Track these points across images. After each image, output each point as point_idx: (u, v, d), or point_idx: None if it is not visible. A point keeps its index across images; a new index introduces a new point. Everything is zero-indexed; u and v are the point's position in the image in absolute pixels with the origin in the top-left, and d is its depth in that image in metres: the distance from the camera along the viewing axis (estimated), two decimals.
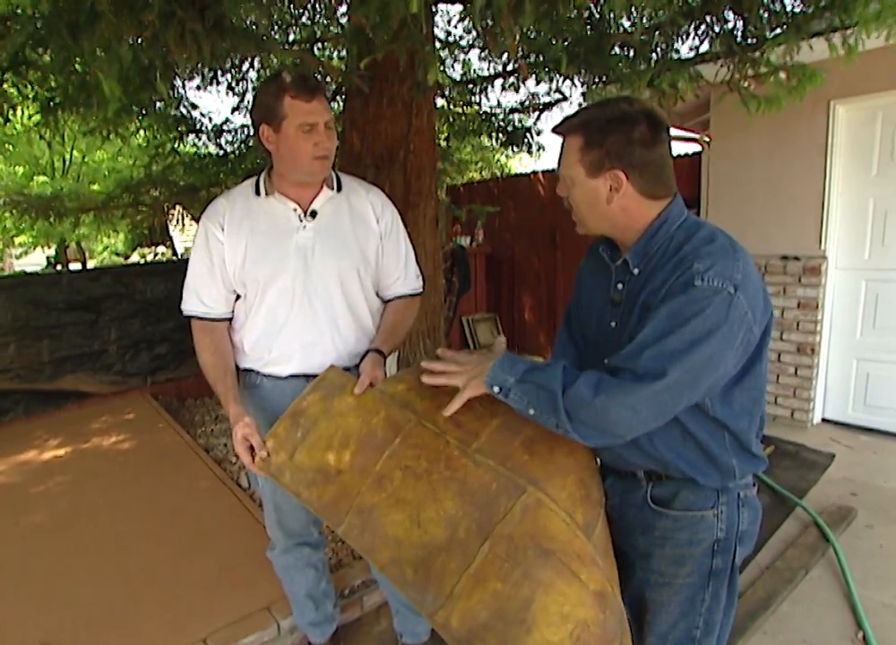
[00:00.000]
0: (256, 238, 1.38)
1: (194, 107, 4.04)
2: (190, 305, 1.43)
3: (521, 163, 12.05)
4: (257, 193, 1.41)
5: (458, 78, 4.43)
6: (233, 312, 1.47)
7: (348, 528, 1.10)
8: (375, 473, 1.12)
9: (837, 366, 3.52)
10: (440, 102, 4.04)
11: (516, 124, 4.48)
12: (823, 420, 3.63)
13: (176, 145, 4.24)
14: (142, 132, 4.16)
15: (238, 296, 1.45)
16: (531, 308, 5.50)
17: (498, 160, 9.32)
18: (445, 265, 4.27)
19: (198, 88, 3.71)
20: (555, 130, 1.04)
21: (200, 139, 4.28)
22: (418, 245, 3.22)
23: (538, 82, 3.45)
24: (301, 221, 1.40)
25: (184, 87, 3.61)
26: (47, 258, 12.59)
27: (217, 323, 1.43)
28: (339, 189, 1.46)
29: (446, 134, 4.71)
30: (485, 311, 5.36)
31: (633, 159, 0.95)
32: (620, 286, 1.06)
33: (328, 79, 3.37)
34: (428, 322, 3.02)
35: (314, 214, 1.41)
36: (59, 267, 11.02)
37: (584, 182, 0.99)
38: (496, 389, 1.00)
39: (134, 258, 13.90)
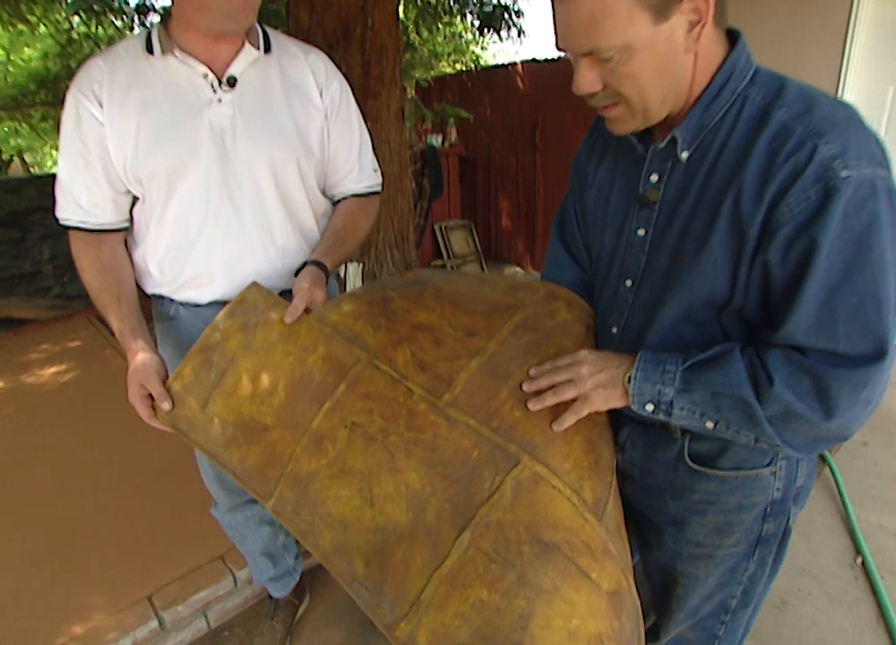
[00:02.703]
0: (151, 116, 1.01)
1: None
2: (65, 212, 1.07)
3: (496, 58, 11.14)
4: (149, 50, 1.01)
5: None
6: (130, 220, 1.11)
7: (280, 503, 0.84)
8: (312, 431, 0.84)
9: None
10: None
11: (494, 1, 3.89)
12: None
13: (92, 29, 3.59)
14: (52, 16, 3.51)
15: (136, 200, 1.09)
16: (509, 214, 5.13)
17: (473, 52, 8.49)
18: (415, 167, 3.83)
19: None
20: None
21: (121, 20, 3.63)
22: (381, 142, 2.78)
23: None
24: (215, 92, 1.03)
25: None
26: None
27: (105, 235, 1.08)
28: (267, 49, 1.08)
29: (413, 20, 4.09)
30: (459, 218, 4.95)
31: None
32: (655, 178, 0.76)
33: None
34: (396, 230, 2.67)
35: (232, 82, 1.04)
36: None
37: (652, 35, 0.63)
38: (650, 406, 0.75)
39: None
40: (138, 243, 1.12)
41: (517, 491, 0.71)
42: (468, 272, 1.37)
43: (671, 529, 0.89)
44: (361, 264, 2.55)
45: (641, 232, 0.78)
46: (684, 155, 0.71)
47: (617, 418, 0.89)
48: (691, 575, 0.89)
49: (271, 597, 1.55)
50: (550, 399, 0.77)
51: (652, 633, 1.03)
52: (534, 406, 0.77)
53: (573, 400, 0.77)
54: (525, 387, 0.79)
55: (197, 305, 1.15)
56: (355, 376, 0.86)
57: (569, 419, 0.76)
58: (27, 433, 2.36)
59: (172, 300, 1.16)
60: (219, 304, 1.12)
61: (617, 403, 0.77)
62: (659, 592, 0.96)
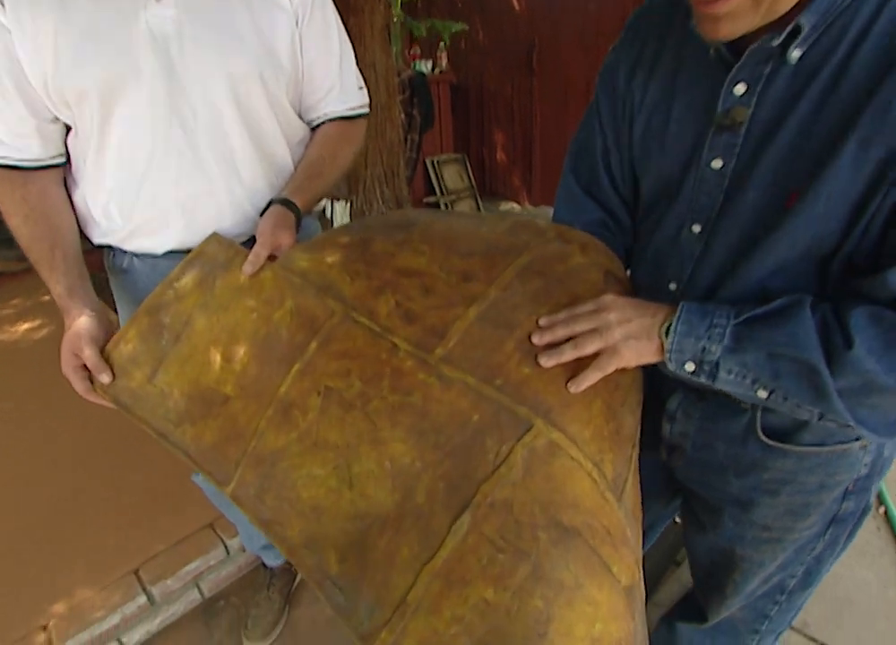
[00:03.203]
0: (71, 17, 0.81)
1: None
2: None
3: None
4: None
5: None
6: (66, 154, 0.93)
7: (241, 488, 0.71)
8: (280, 400, 0.70)
9: None
10: None
11: None
12: None
13: None
14: None
15: (70, 130, 0.90)
16: (504, 147, 4.83)
17: None
18: (403, 96, 3.53)
19: None
20: None
21: None
22: (366, 67, 2.51)
23: None
24: None
25: None
26: None
27: (32, 174, 0.90)
28: None
29: None
30: (452, 151, 4.65)
31: None
32: (742, 89, 0.57)
33: None
34: (385, 165, 2.45)
35: None
36: None
37: None
38: (690, 365, 0.61)
39: None
40: (77, 183, 0.94)
41: (530, 462, 0.58)
42: (462, 212, 1.18)
43: (732, 510, 0.75)
44: (348, 203, 2.35)
45: (717, 164, 0.61)
46: (795, 55, 0.52)
47: (667, 384, 0.75)
48: (753, 560, 0.77)
49: (265, 566, 1.46)
50: (569, 353, 0.62)
51: (696, 614, 0.93)
52: (548, 361, 0.62)
53: (595, 356, 0.63)
54: (535, 339, 0.64)
55: (153, 256, 0.98)
56: (329, 332, 0.71)
57: (591, 376, 0.62)
58: (6, 396, 2.24)
59: (125, 251, 0.99)
60: (178, 254, 0.95)
61: (651, 358, 0.62)
62: (709, 574, 0.85)
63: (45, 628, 1.26)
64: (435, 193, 4.41)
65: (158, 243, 0.96)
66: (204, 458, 0.75)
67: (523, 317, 0.67)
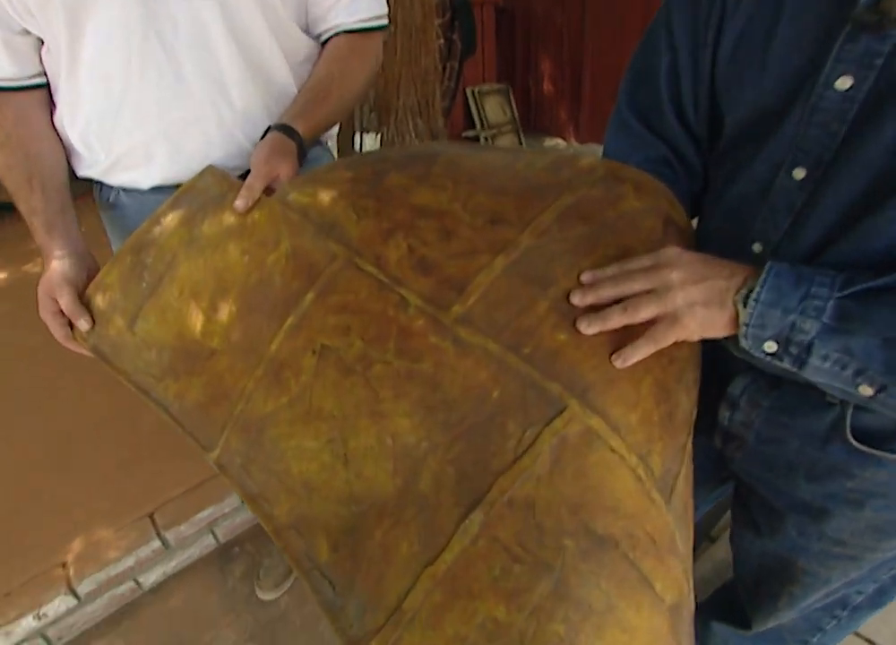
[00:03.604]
0: None
1: None
2: None
3: None
4: None
5: None
6: (44, 75, 0.82)
7: (226, 455, 0.63)
8: (271, 358, 0.61)
9: None
10: None
11: None
12: None
13: None
14: None
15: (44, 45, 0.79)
16: (551, 77, 4.49)
17: None
18: (442, 19, 3.24)
19: None
20: None
21: None
22: None
23: None
24: None
25: None
26: None
27: (4, 95, 0.79)
28: None
29: None
30: (494, 81, 4.33)
31: None
32: None
33: None
34: (419, 94, 2.24)
35: None
36: None
37: None
38: (772, 345, 0.47)
39: None
40: (56, 105, 0.83)
41: (560, 453, 0.47)
42: (498, 146, 0.99)
43: (798, 518, 0.63)
44: (379, 135, 2.18)
45: (844, 82, 0.44)
46: None
47: (730, 362, 0.61)
48: (818, 576, 0.65)
49: None
50: (617, 318, 0.49)
51: (738, 619, 0.83)
52: (589, 326, 0.50)
53: (648, 324, 0.50)
54: (575, 299, 0.51)
55: (139, 191, 0.88)
56: (328, 281, 0.60)
57: (643, 349, 0.49)
58: (27, 331, 2.23)
59: (109, 185, 0.89)
60: (165, 189, 0.85)
61: (721, 331, 0.49)
62: (759, 581, 0.74)
63: (64, 565, 1.27)
64: (474, 127, 4.15)
65: (142, 176, 0.85)
66: (188, 418, 0.67)
67: (561, 271, 0.54)
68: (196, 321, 0.67)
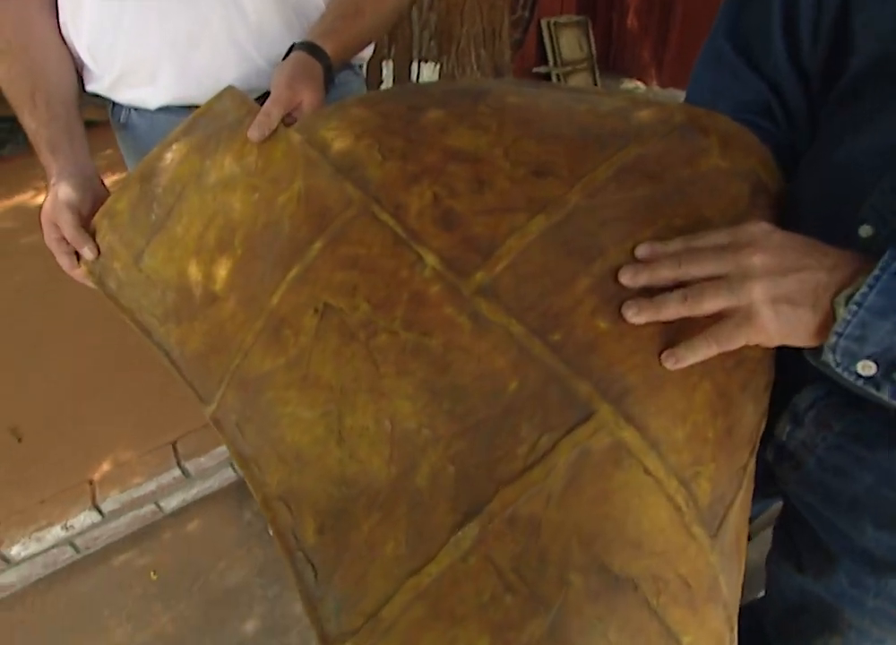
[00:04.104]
0: None
1: None
2: None
3: None
4: None
5: None
6: None
7: (221, 411, 0.58)
8: (271, 312, 0.54)
9: None
10: None
11: None
12: None
13: None
14: None
15: None
16: (637, 11, 4.09)
17: None
18: None
19: None
20: None
21: None
22: None
23: None
24: None
25: None
26: None
27: None
28: None
29: None
30: (573, 12, 3.97)
31: None
32: None
33: None
34: (485, 22, 2.04)
35: None
36: None
37: None
38: (868, 367, 0.37)
39: None
40: (60, 10, 0.76)
41: (579, 469, 0.38)
42: (562, 85, 0.82)
43: (855, 566, 0.52)
44: (438, 65, 2.01)
45: None
46: None
47: (797, 366, 0.48)
48: (868, 635, 0.54)
49: None
50: (674, 308, 0.39)
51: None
52: (638, 314, 0.40)
53: (716, 317, 0.40)
54: (625, 277, 0.42)
55: (148, 111, 0.81)
56: (340, 229, 0.52)
57: (702, 350, 0.39)
58: None
59: (119, 104, 0.82)
60: (175, 111, 0.78)
61: (806, 339, 0.38)
62: (792, 617, 0.64)
63: (90, 483, 1.30)
64: (546, 63, 3.85)
65: (148, 95, 0.77)
66: (188, 366, 0.62)
67: (612, 241, 0.44)
68: (201, 261, 0.61)
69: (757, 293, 0.38)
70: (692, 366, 0.40)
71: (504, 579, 0.38)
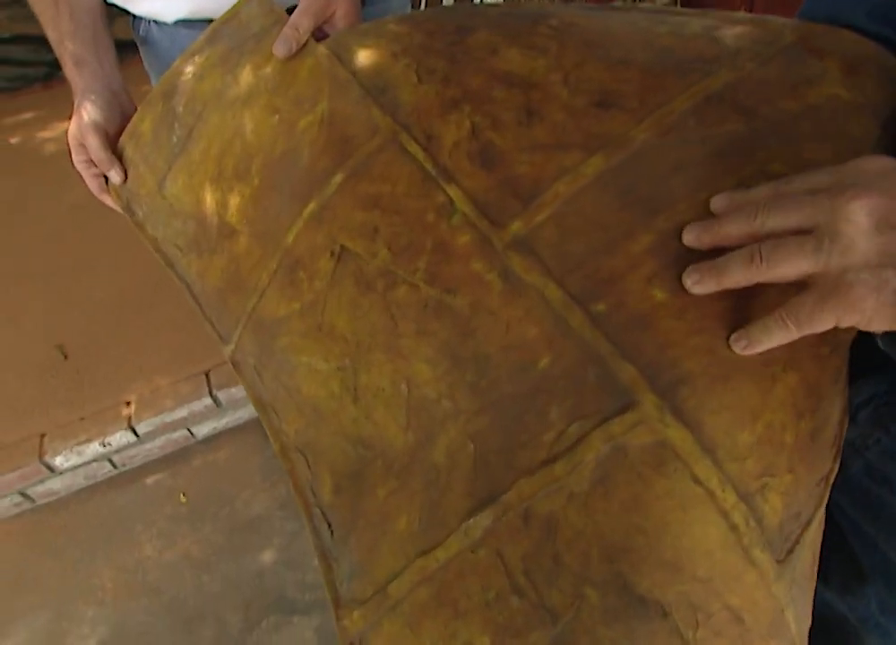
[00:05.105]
0: None
1: None
2: None
3: None
4: None
5: None
6: None
7: (239, 352, 0.54)
8: (286, 250, 0.49)
9: None
10: None
11: None
12: None
13: None
14: None
15: None
16: None
17: None
18: None
19: None
20: None
21: None
22: None
23: None
24: None
25: None
26: None
27: None
28: None
29: None
30: None
31: None
32: None
33: None
34: None
35: None
36: None
37: None
38: None
39: None
40: None
41: (610, 468, 0.32)
42: (640, 5, 0.68)
43: (888, 590, 0.45)
44: None
45: None
46: None
47: (851, 353, 0.38)
48: None
49: None
50: (737, 272, 0.31)
51: None
52: (700, 283, 0.32)
53: (800, 286, 0.31)
54: (689, 237, 0.34)
55: (166, 25, 0.74)
56: (363, 161, 0.45)
57: (778, 333, 0.31)
58: None
59: (139, 17, 0.75)
60: (196, 24, 0.71)
61: (885, 323, 0.29)
62: (810, 634, 0.58)
63: (128, 404, 1.33)
64: None
65: (163, 5, 0.69)
66: (208, 302, 0.58)
67: (685, 190, 0.36)
68: (218, 191, 0.55)
69: (856, 255, 0.28)
70: (774, 352, 0.32)
71: (513, 579, 0.33)
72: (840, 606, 0.52)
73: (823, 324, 0.30)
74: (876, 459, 0.44)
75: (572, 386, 0.34)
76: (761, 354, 0.32)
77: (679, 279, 0.34)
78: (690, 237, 0.34)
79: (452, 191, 0.40)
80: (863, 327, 0.30)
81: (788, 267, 0.29)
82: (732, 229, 0.32)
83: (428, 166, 0.42)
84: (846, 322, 0.30)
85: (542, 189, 0.38)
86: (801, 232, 0.30)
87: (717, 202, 0.34)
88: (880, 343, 0.34)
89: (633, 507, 0.32)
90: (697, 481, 0.31)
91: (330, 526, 0.46)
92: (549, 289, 0.35)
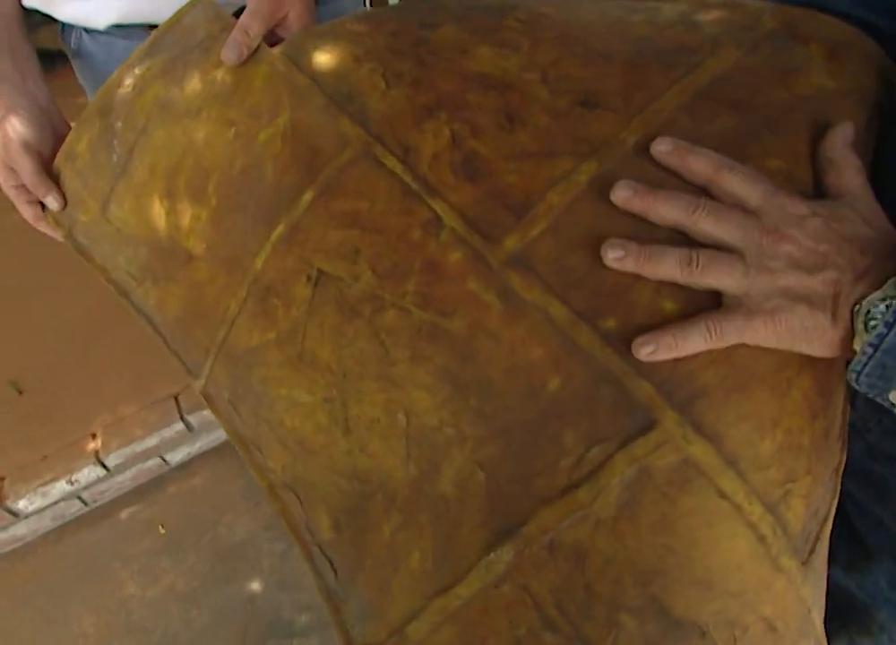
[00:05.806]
0: None
1: None
2: None
3: None
4: None
5: None
6: None
7: (212, 386, 0.51)
8: (256, 276, 0.46)
9: None
10: None
11: None
12: None
13: None
14: None
15: None
16: None
17: None
18: None
19: None
20: None
21: None
22: None
23: None
24: None
25: None
26: None
27: None
28: None
29: None
30: None
31: None
32: None
33: None
34: None
35: None
36: None
37: None
38: None
39: None
40: None
41: (637, 492, 0.30)
42: None
43: (895, 567, 0.48)
44: None
45: None
46: None
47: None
48: None
49: None
50: (667, 267, 0.32)
51: None
52: (620, 260, 0.32)
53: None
54: (621, 194, 0.33)
55: (99, 33, 0.68)
56: (334, 176, 0.42)
57: (694, 342, 0.31)
58: None
59: (72, 26, 0.70)
60: (133, 32, 0.66)
61: (825, 351, 0.32)
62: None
63: (93, 436, 1.27)
64: None
65: (93, 10, 0.64)
66: (171, 333, 0.54)
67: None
68: (171, 213, 0.51)
69: (773, 286, 0.31)
70: (788, 357, 0.31)
71: (544, 613, 0.32)
72: (847, 582, 0.53)
73: (727, 341, 0.31)
74: (878, 439, 0.45)
75: (584, 408, 0.32)
76: (776, 359, 0.31)
77: (689, 288, 0.32)
78: (620, 196, 0.33)
79: (438, 205, 0.38)
80: (776, 346, 0.32)
81: (715, 281, 0.32)
82: (666, 211, 0.32)
83: (408, 179, 0.39)
84: (753, 341, 0.31)
85: (534, 200, 0.36)
86: (724, 246, 0.32)
87: (659, 145, 0.34)
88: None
89: (661, 528, 0.30)
90: (723, 496, 0.30)
91: (332, 565, 0.44)
92: (553, 308, 0.33)
